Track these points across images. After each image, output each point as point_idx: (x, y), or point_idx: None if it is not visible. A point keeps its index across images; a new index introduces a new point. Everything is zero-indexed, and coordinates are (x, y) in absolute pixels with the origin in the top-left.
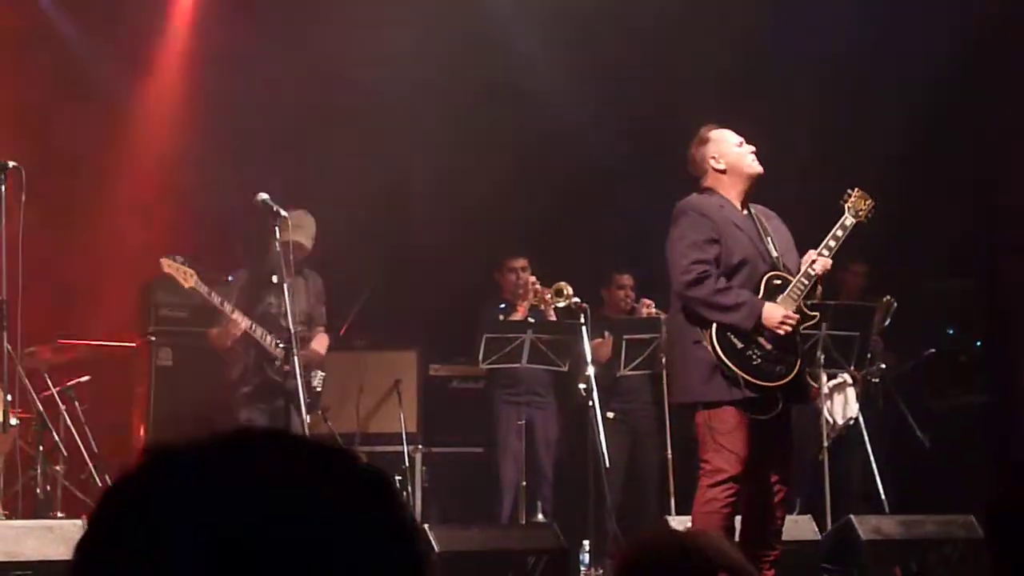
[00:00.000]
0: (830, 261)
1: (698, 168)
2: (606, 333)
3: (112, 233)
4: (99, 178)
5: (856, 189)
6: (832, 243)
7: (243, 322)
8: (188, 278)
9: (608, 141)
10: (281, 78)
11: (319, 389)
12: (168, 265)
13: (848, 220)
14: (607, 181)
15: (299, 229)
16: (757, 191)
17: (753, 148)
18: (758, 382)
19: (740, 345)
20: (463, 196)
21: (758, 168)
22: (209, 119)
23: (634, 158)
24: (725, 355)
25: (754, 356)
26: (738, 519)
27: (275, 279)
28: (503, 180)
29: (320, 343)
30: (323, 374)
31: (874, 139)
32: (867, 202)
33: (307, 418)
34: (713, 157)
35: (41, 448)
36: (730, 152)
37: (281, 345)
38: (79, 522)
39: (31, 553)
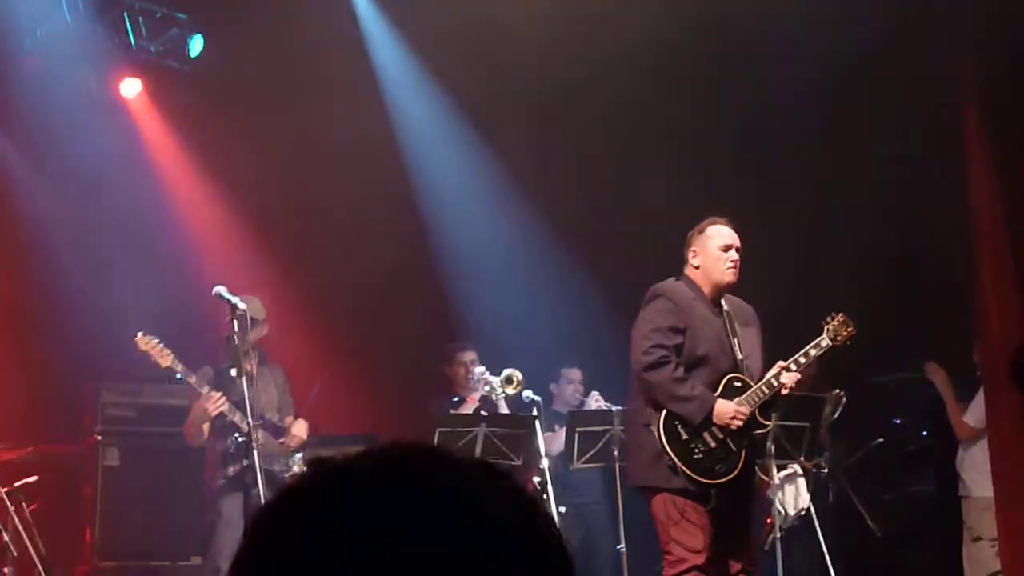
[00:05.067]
0: (797, 376)
1: (685, 252)
2: (556, 426)
3: (60, 333)
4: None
5: (841, 314)
6: (802, 359)
7: (221, 402)
8: (165, 357)
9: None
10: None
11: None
12: (145, 343)
13: (824, 341)
14: (552, 276)
15: (258, 312)
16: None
17: (735, 258)
18: (694, 476)
19: (685, 436)
20: (412, 290)
21: (729, 279)
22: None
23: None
24: (668, 443)
25: (696, 450)
26: None
27: (234, 372)
28: (448, 274)
29: (301, 428)
30: (300, 456)
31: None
32: (848, 329)
33: None
34: (694, 251)
35: None
36: (711, 254)
37: (241, 438)
38: None
39: None
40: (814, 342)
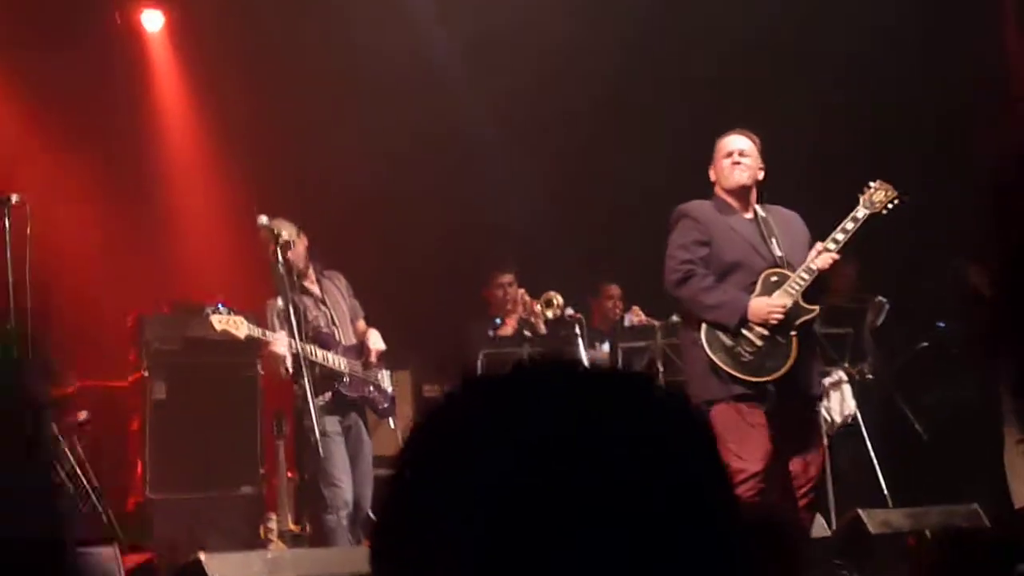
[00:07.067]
0: (835, 256)
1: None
2: (597, 343)
3: (105, 267)
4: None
5: (878, 180)
6: (840, 236)
7: (302, 350)
8: (239, 327)
9: (591, 155)
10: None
11: (391, 391)
12: (220, 321)
13: (860, 212)
14: (593, 191)
15: (291, 231)
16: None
17: (738, 160)
18: (747, 378)
19: (729, 343)
20: (450, 210)
21: (739, 181)
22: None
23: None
24: (713, 353)
25: (743, 353)
26: None
27: (279, 302)
28: (490, 193)
29: (376, 340)
30: (389, 372)
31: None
32: (887, 193)
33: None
34: (712, 170)
35: None
36: (719, 167)
37: (344, 361)
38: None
39: None
40: (850, 215)
